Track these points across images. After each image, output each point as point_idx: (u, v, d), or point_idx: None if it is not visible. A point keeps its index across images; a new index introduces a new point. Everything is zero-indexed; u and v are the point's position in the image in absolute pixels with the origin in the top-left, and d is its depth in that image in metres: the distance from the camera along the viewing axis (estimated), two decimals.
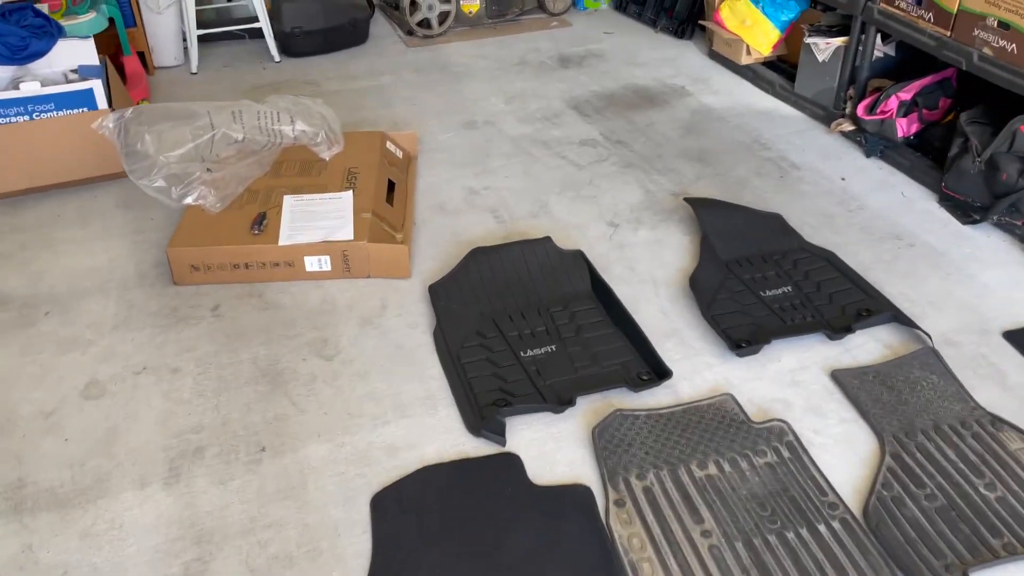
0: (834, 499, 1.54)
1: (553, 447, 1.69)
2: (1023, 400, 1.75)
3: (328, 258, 2.14)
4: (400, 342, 1.97)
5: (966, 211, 2.35)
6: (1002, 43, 2.16)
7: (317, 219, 2.20)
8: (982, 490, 1.55)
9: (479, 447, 1.69)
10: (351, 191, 2.31)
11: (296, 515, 1.55)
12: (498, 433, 1.70)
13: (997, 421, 1.70)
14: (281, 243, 2.12)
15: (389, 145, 2.63)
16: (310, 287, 2.15)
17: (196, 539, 1.50)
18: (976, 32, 2.24)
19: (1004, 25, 2.15)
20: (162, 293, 2.13)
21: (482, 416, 1.74)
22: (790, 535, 1.48)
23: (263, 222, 2.18)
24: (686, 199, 2.39)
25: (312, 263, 2.15)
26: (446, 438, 1.71)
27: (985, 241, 2.27)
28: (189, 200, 2.24)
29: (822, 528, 1.49)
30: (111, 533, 1.52)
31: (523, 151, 2.81)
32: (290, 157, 2.47)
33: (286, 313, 2.06)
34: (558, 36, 3.83)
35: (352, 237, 2.14)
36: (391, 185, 2.46)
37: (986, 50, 2.22)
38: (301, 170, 2.42)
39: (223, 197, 2.25)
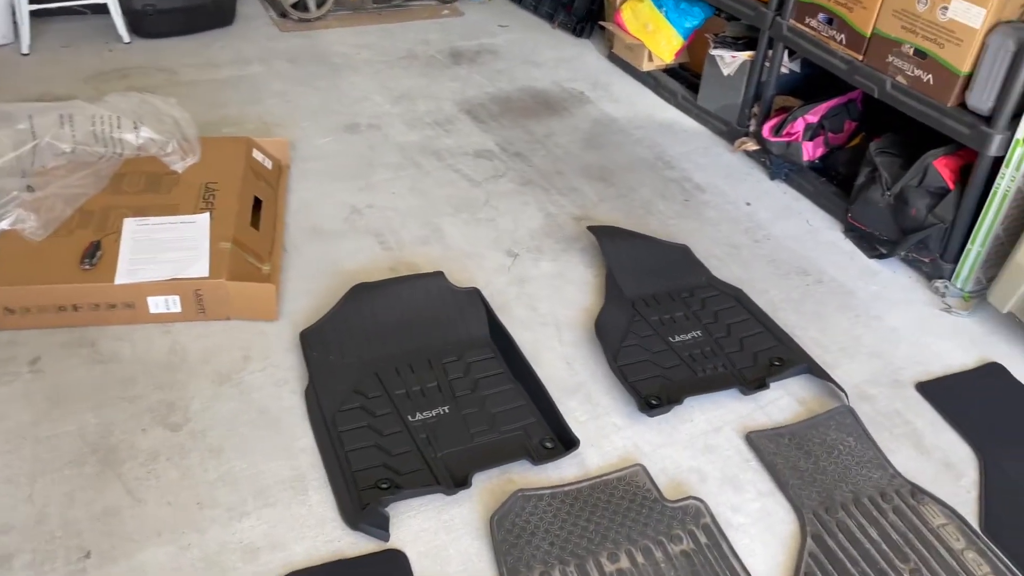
0: None
1: (445, 539, 1.46)
2: (940, 464, 1.67)
3: (178, 298, 1.82)
4: (264, 405, 1.68)
5: (872, 244, 2.27)
6: (917, 72, 2.07)
7: (165, 250, 1.86)
8: None
9: (357, 542, 1.44)
10: (208, 213, 1.98)
11: None
12: (380, 527, 1.45)
13: (917, 492, 1.60)
14: (118, 281, 1.78)
15: (256, 154, 2.29)
16: (155, 333, 1.82)
17: None
18: (890, 59, 2.13)
19: (920, 54, 2.06)
20: None
21: (362, 503, 1.49)
22: None
23: (97, 253, 1.82)
24: (589, 228, 2.20)
25: (158, 304, 1.81)
26: (318, 533, 1.45)
27: (891, 277, 2.19)
28: (4, 225, 1.85)
29: None
30: None
31: (412, 162, 2.54)
32: (134, 170, 2.10)
33: (124, 368, 1.73)
34: (449, 27, 3.54)
35: (207, 273, 1.82)
36: (257, 203, 2.14)
37: (900, 78, 2.12)
38: (147, 186, 2.06)
39: (47, 222, 1.87)
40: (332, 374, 1.75)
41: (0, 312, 1.75)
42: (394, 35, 3.40)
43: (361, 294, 1.91)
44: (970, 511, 1.58)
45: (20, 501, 1.45)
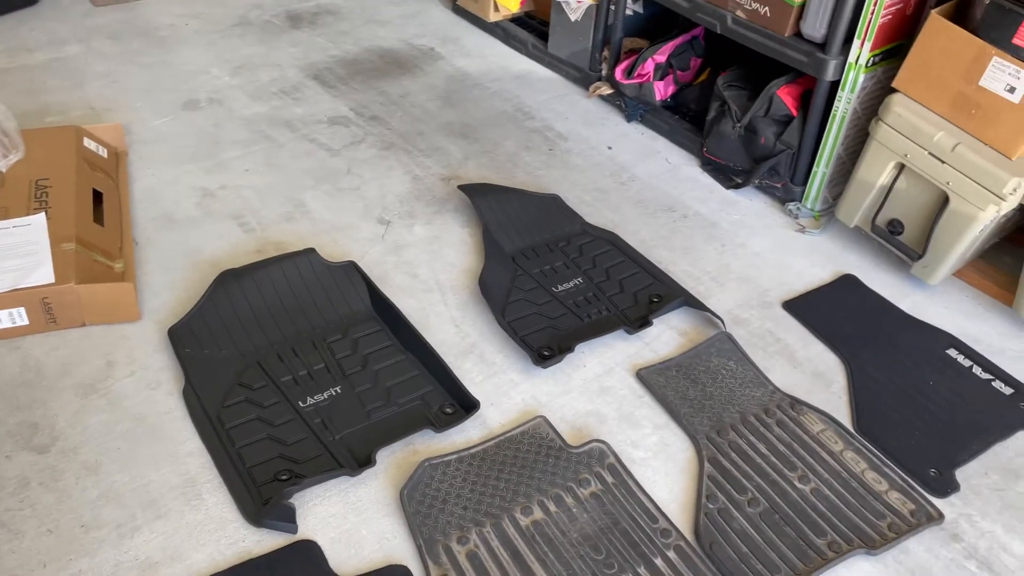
0: (665, 525, 1.45)
1: (356, 522, 1.43)
2: (812, 375, 1.78)
3: (23, 310, 1.65)
4: (139, 412, 1.57)
5: (728, 176, 2.37)
6: (755, 5, 2.15)
7: (2, 258, 1.68)
8: (797, 484, 1.54)
9: (263, 539, 1.38)
10: (43, 213, 1.80)
11: None
12: (286, 519, 1.40)
13: (796, 404, 1.71)
14: None
15: (88, 142, 2.10)
16: (3, 350, 1.65)
17: None
18: None
19: None
20: None
21: (263, 499, 1.43)
22: None
23: None
24: (460, 187, 2.17)
25: (2, 318, 1.64)
26: (219, 536, 1.38)
27: (749, 205, 2.30)
28: None
29: (658, 562, 1.39)
30: None
31: (263, 136, 2.40)
32: None
33: None
34: None
35: (53, 279, 1.66)
36: (97, 196, 1.96)
37: (739, 13, 2.20)
38: None
39: None
40: (210, 369, 1.65)
41: None
42: (222, 3, 3.18)
43: (229, 281, 1.80)
44: (843, 414, 1.70)
45: None
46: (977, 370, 1.82)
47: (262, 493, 1.44)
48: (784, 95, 2.19)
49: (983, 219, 1.83)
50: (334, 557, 1.37)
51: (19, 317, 1.65)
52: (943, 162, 1.85)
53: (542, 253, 2.04)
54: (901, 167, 1.96)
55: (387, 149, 2.40)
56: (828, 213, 2.22)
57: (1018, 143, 1.77)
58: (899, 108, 1.91)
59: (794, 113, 2.19)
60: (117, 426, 1.53)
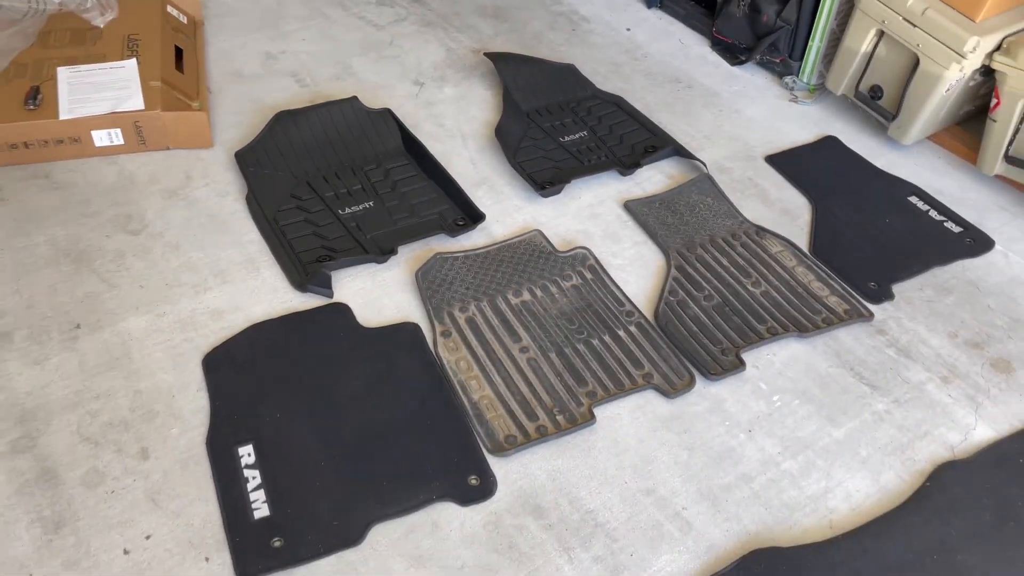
0: (630, 308, 1.75)
1: (380, 294, 1.77)
2: (781, 211, 2.04)
3: (119, 131, 2.02)
4: (212, 211, 1.94)
5: (734, 53, 2.59)
6: None
7: (101, 90, 2.05)
8: (749, 287, 1.82)
9: (307, 302, 1.74)
10: (135, 59, 2.16)
11: (125, 384, 1.54)
12: (324, 286, 1.75)
13: (761, 231, 1.97)
14: (62, 117, 1.97)
15: (170, 9, 2.45)
16: (103, 164, 2.03)
17: (19, 419, 1.47)
18: None
19: None
20: None
21: (306, 272, 1.78)
22: (595, 341, 1.68)
23: (38, 96, 2.00)
24: (486, 54, 2.45)
25: (101, 137, 2.02)
26: (272, 297, 1.74)
27: (750, 79, 2.52)
28: None
29: (621, 332, 1.70)
30: None
31: (319, 12, 2.72)
32: (58, 26, 2.25)
33: (79, 192, 1.95)
34: None
35: (143, 106, 2.03)
36: (178, 53, 2.32)
37: None
38: (73, 40, 2.22)
39: None
40: (268, 184, 2.00)
41: None
42: None
43: (285, 119, 2.14)
44: (803, 242, 1.96)
45: (8, 294, 1.69)
46: (933, 213, 2.04)
47: (307, 269, 1.79)
48: None
49: (948, 78, 2.03)
50: (361, 316, 1.71)
51: (116, 137, 2.03)
52: (914, 26, 2.05)
53: (554, 111, 2.32)
54: (881, 34, 2.16)
55: (426, 26, 2.69)
56: (822, 87, 2.43)
57: (981, 5, 1.96)
58: None
59: None
60: (194, 220, 1.91)
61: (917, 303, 1.81)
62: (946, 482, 1.44)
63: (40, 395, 1.51)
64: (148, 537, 1.32)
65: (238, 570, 1.28)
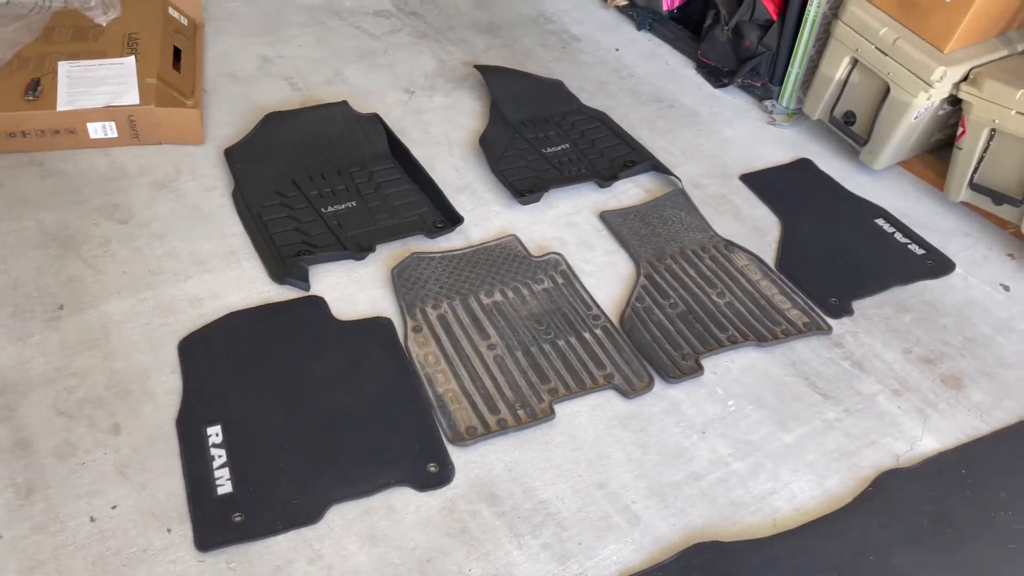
0: (597, 312, 1.81)
1: (355, 289, 1.83)
2: (752, 228, 2.10)
3: (113, 124, 2.10)
4: (197, 204, 2.00)
5: (717, 76, 2.67)
6: None
7: (99, 84, 2.12)
8: (714, 297, 1.88)
9: (284, 293, 1.80)
10: (133, 56, 2.24)
11: (102, 363, 1.60)
12: (302, 279, 1.81)
13: (730, 245, 2.03)
14: (60, 108, 2.04)
15: (171, 11, 2.53)
16: (96, 155, 2.10)
17: None
18: None
19: None
20: None
21: (285, 266, 1.84)
22: (561, 342, 1.73)
23: (38, 88, 2.08)
24: (476, 66, 2.53)
25: (96, 130, 2.09)
26: (250, 288, 1.80)
27: (731, 101, 2.60)
28: None
29: (587, 335, 1.76)
30: None
31: (317, 21, 2.80)
32: (61, 23, 2.32)
33: (71, 181, 2.02)
34: None
35: (138, 101, 2.10)
36: (177, 52, 2.39)
37: None
38: (75, 36, 2.29)
39: None
40: (254, 181, 2.07)
41: None
42: None
43: (275, 119, 2.22)
44: (770, 257, 2.02)
45: None
46: (898, 236, 2.11)
47: (286, 263, 1.85)
48: (766, 1, 2.47)
49: (916, 105, 2.11)
50: (336, 309, 1.77)
51: (110, 130, 2.10)
52: (885, 55, 2.13)
53: (539, 124, 2.39)
54: (855, 62, 2.24)
55: (420, 38, 2.77)
56: (800, 111, 2.51)
57: (948, 37, 2.04)
58: (854, 7, 2.18)
59: (774, 17, 2.48)
60: (180, 212, 1.97)
61: (875, 319, 1.87)
62: (888, 488, 1.49)
63: (21, 370, 1.56)
64: (114, 507, 1.37)
65: (197, 541, 1.33)
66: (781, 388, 1.69)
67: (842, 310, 1.88)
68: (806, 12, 2.36)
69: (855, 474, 1.54)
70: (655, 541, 1.41)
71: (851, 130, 2.31)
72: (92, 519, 1.35)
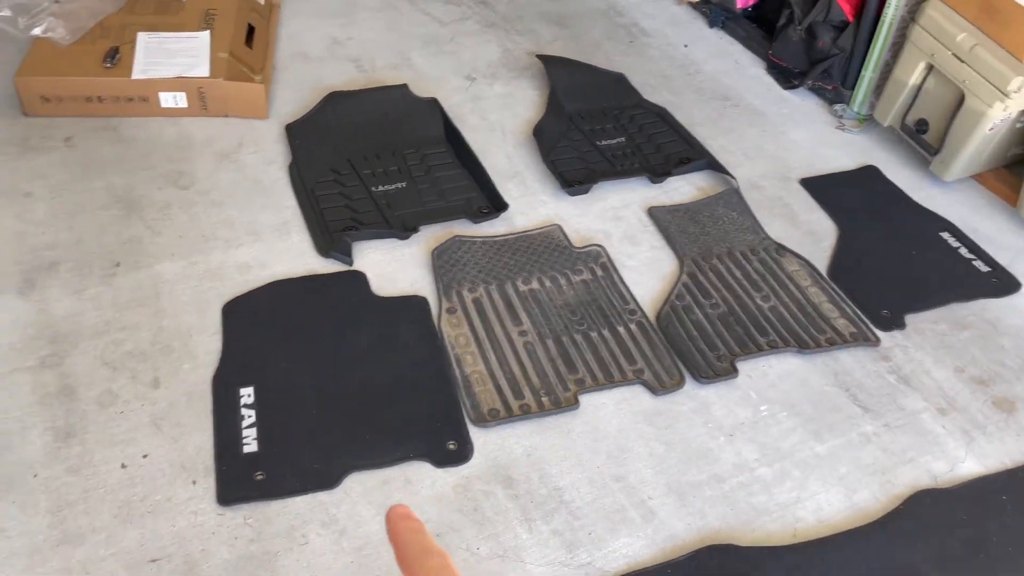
0: (634, 307, 1.79)
1: (396, 267, 1.86)
2: (806, 233, 2.04)
3: (184, 95, 2.18)
4: (256, 176, 2.07)
5: (787, 77, 2.60)
6: None
7: (173, 56, 2.21)
8: (758, 301, 1.83)
9: (327, 266, 1.84)
10: (208, 32, 2.32)
11: (150, 320, 1.67)
12: (345, 253, 1.85)
13: (781, 248, 1.98)
14: (135, 77, 2.14)
15: None
16: (166, 123, 2.19)
17: (51, 339, 1.61)
18: None
19: None
20: (12, 124, 2.12)
21: (332, 240, 1.88)
22: (593, 334, 1.72)
23: (116, 56, 2.18)
24: (538, 55, 2.53)
25: (167, 99, 2.18)
26: (297, 259, 1.85)
27: (800, 103, 2.53)
28: (37, 31, 2.20)
29: (620, 329, 1.74)
30: None
31: (389, 5, 2.85)
32: None
33: (141, 146, 2.11)
34: None
35: (209, 74, 2.18)
36: (251, 30, 2.47)
37: None
38: (157, 9, 2.40)
39: (73, 30, 2.22)
40: (311, 157, 2.12)
41: (38, 100, 2.12)
42: None
43: (336, 99, 2.27)
44: (823, 264, 1.96)
45: (63, 230, 1.85)
46: (963, 251, 2.01)
47: (332, 238, 1.89)
48: (842, 1, 2.39)
49: (991, 116, 2.00)
50: (375, 285, 1.80)
51: (180, 100, 2.19)
52: (962, 61, 2.03)
53: (596, 116, 2.38)
54: (930, 68, 2.15)
55: (488, 27, 2.79)
56: (871, 118, 2.42)
57: None
58: (932, 11, 2.09)
59: (850, 19, 2.39)
60: (239, 182, 2.04)
61: (928, 335, 1.79)
62: (921, 508, 1.43)
63: (73, 321, 1.65)
64: (145, 456, 1.43)
65: (220, 494, 1.38)
66: (819, 397, 1.64)
67: (893, 323, 1.81)
68: (883, 14, 2.27)
69: (888, 491, 1.48)
70: (668, 539, 1.38)
71: (922, 139, 2.21)
72: (123, 466, 1.41)
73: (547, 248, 1.93)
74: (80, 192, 1.95)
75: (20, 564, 1.27)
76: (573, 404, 1.57)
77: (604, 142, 2.27)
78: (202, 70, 2.19)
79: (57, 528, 1.32)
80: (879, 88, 2.38)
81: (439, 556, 0.53)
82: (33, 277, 1.73)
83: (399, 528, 0.55)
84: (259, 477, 1.41)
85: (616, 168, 2.19)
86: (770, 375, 1.68)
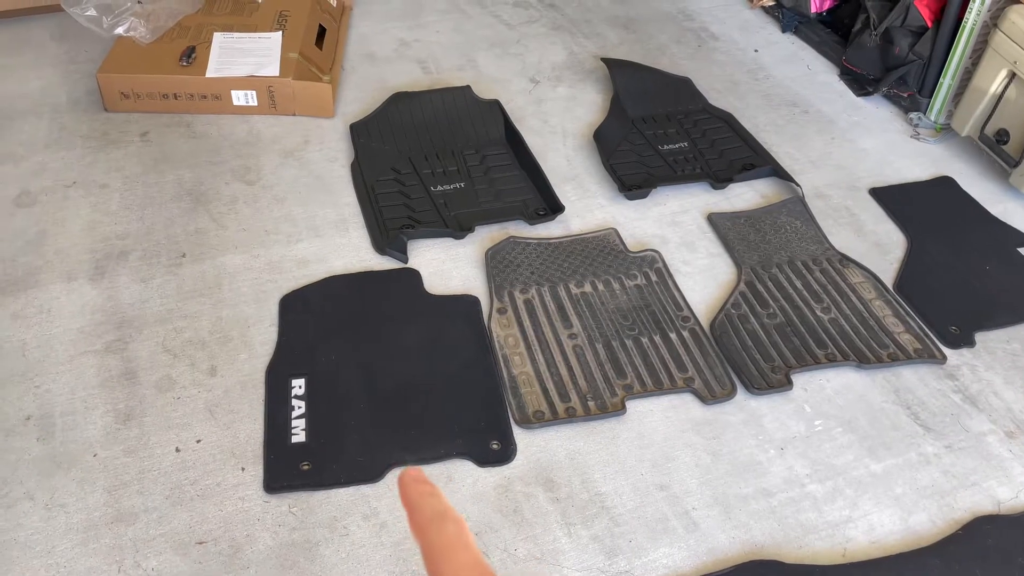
0: (688, 314, 1.76)
1: (451, 266, 1.87)
2: (873, 244, 1.97)
3: (254, 93, 2.25)
4: (319, 173, 2.11)
5: (861, 84, 2.52)
6: None
7: (245, 56, 2.29)
8: (818, 312, 1.78)
9: (383, 263, 1.87)
10: (280, 32, 2.39)
11: (210, 310, 1.72)
12: (400, 251, 1.87)
13: (845, 260, 1.92)
14: (209, 75, 2.21)
15: None
16: (236, 121, 2.26)
17: (117, 324, 1.68)
18: None
19: None
20: (93, 118, 2.23)
21: (388, 238, 1.91)
22: (644, 339, 1.70)
23: (192, 55, 2.26)
24: (603, 59, 2.52)
25: (239, 97, 2.25)
26: (354, 255, 1.88)
27: (873, 111, 2.44)
28: (120, 31, 2.30)
29: (672, 335, 1.71)
30: (39, 316, 1.68)
31: (457, 8, 2.88)
32: None
33: (212, 142, 2.18)
34: None
35: (278, 74, 2.24)
36: (322, 31, 2.53)
37: None
38: (233, 10, 2.48)
39: (154, 29, 2.31)
40: (373, 156, 2.16)
41: (118, 96, 2.22)
42: None
43: (400, 99, 2.30)
44: (889, 277, 1.89)
45: (134, 220, 1.93)
46: None
47: (389, 235, 1.92)
48: (921, 5, 2.30)
49: None
50: (428, 283, 1.82)
51: (251, 99, 2.25)
52: None
53: (660, 120, 2.35)
54: (1012, 76, 2.05)
55: (555, 30, 2.79)
56: (948, 127, 2.32)
57: None
58: (1015, 16, 2.00)
59: (928, 24, 2.30)
60: (302, 179, 2.09)
61: (1000, 354, 1.71)
62: (981, 534, 1.36)
63: (139, 308, 1.71)
64: (199, 441, 1.48)
65: (267, 482, 1.41)
66: (878, 414, 1.58)
67: (962, 340, 1.73)
68: (964, 19, 2.18)
69: (946, 515, 1.41)
70: (710, 551, 1.35)
71: (1002, 150, 2.11)
72: (177, 450, 1.46)
73: (602, 252, 1.91)
74: (152, 185, 2.03)
75: (76, 539, 1.33)
76: (620, 409, 1.56)
77: (666, 147, 2.24)
78: (272, 69, 2.25)
79: (112, 506, 1.37)
80: (958, 96, 2.28)
81: (454, 523, 0.50)
82: (104, 265, 1.80)
83: (412, 492, 0.52)
84: (305, 467, 1.44)
85: (677, 173, 2.16)
86: (827, 389, 1.63)
